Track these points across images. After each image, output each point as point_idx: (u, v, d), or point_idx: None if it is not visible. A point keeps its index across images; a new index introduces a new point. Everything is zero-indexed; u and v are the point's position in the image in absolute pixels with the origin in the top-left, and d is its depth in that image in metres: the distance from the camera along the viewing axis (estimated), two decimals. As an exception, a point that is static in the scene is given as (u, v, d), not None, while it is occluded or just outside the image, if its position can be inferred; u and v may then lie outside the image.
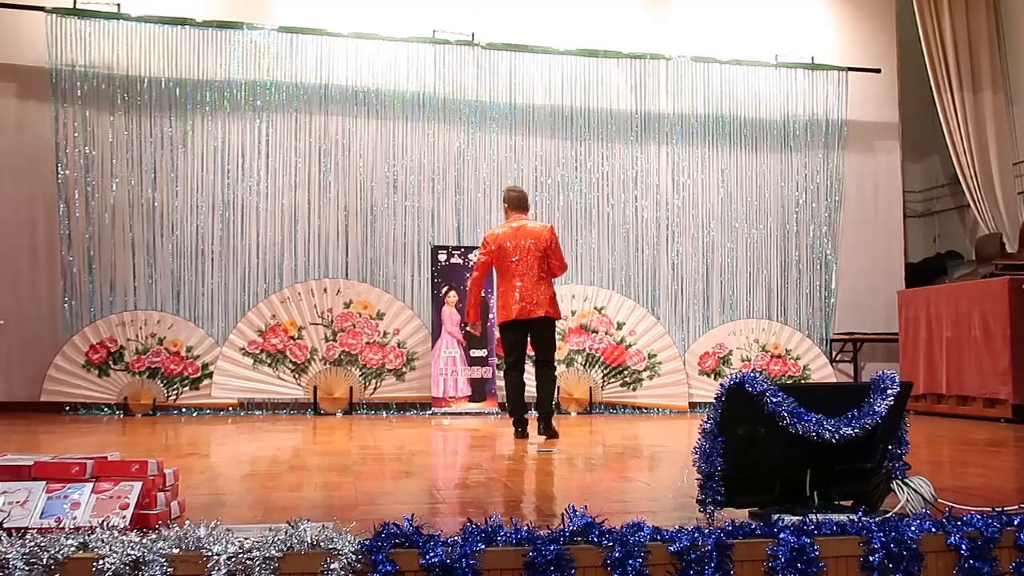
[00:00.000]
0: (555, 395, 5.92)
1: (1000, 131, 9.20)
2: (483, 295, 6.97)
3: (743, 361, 8.77)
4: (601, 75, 8.92)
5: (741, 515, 2.70)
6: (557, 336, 8.26)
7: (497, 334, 6.43)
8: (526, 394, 5.97)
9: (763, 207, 9.18)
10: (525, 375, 5.95)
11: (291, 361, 8.01)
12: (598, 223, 8.83)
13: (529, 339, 5.92)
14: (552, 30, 8.82)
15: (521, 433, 5.78)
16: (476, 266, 6.08)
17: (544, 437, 5.69)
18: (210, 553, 2.13)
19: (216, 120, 8.29)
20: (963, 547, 2.43)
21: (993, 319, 7.31)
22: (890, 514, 2.61)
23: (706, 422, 2.71)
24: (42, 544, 2.13)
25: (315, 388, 8.01)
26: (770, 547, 2.36)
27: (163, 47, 8.21)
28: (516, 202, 6.11)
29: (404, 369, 8.16)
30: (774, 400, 2.64)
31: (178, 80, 8.23)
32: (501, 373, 6.76)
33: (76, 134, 8.03)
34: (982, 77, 9.26)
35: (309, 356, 8.04)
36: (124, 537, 2.18)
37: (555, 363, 6.05)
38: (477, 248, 6.95)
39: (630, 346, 8.48)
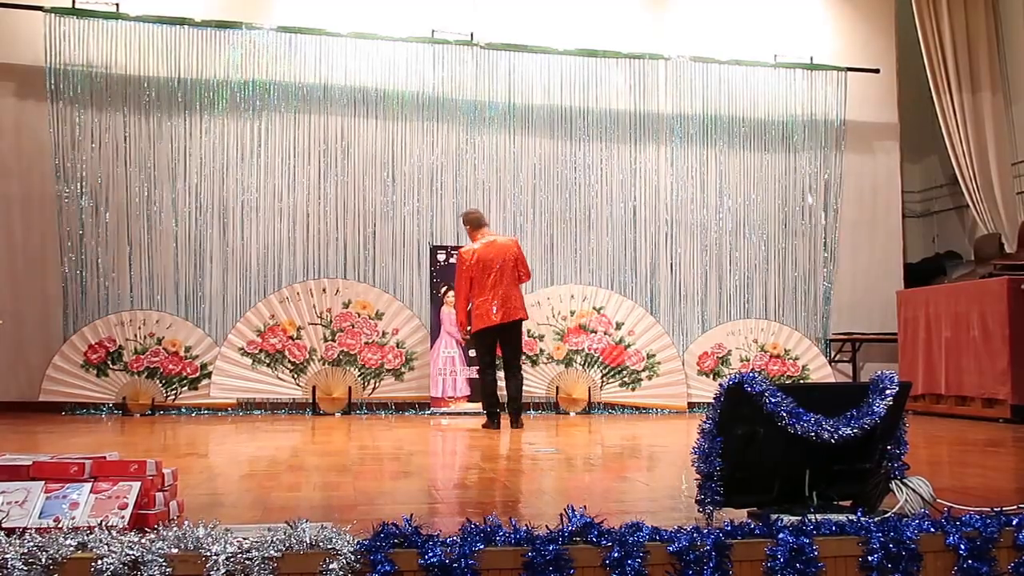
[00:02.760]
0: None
1: (999, 131, 9.20)
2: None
3: (742, 361, 8.77)
4: (600, 75, 8.91)
5: (740, 515, 2.70)
6: (556, 336, 8.36)
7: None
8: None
9: (762, 207, 9.18)
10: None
11: (290, 361, 8.01)
12: (597, 223, 8.83)
13: (499, 342, 6.63)
14: (551, 30, 8.81)
15: (495, 424, 6.55)
16: (460, 280, 6.62)
17: (514, 428, 6.52)
18: (209, 553, 2.13)
19: (215, 120, 8.28)
20: (962, 547, 2.43)
21: (992, 319, 7.31)
22: (889, 514, 2.61)
23: (705, 422, 2.71)
24: (40, 544, 2.12)
25: (314, 388, 8.01)
26: (769, 547, 2.36)
27: (162, 47, 8.21)
28: (477, 222, 6.85)
29: (403, 369, 8.16)
30: (773, 400, 2.64)
31: (177, 80, 8.22)
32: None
33: (74, 134, 8.02)
34: (981, 77, 9.26)
35: (308, 356, 8.04)
36: (123, 537, 2.17)
37: (522, 365, 6.89)
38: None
39: (629, 346, 8.48)
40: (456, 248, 8.21)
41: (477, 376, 7.16)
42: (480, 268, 6.50)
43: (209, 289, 8.19)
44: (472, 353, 8.01)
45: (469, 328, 6.62)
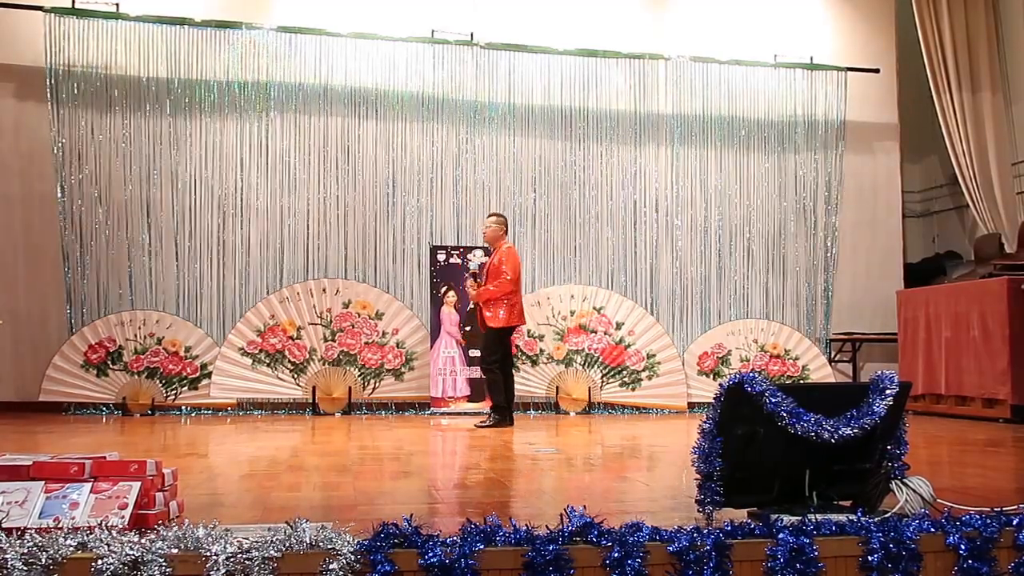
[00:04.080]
0: None
1: (999, 131, 9.20)
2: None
3: (742, 361, 8.77)
4: (600, 75, 8.91)
5: (740, 515, 2.70)
6: (556, 336, 8.37)
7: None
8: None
9: (762, 207, 9.18)
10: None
11: (290, 361, 8.01)
12: (597, 223, 8.82)
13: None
14: (551, 30, 8.81)
15: (511, 422, 6.77)
16: (513, 276, 6.83)
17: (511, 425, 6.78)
18: (209, 553, 2.13)
19: (215, 120, 8.28)
20: (962, 547, 2.43)
21: (992, 319, 7.31)
22: (889, 514, 2.61)
23: (705, 422, 2.71)
24: (41, 544, 2.12)
25: (314, 388, 8.01)
26: (769, 547, 2.36)
27: (162, 47, 8.20)
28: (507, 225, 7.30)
29: (403, 369, 8.16)
30: (773, 400, 2.64)
31: (177, 80, 8.22)
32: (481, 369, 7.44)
33: (74, 134, 8.01)
34: (981, 77, 9.26)
35: (308, 356, 8.04)
36: (123, 537, 2.18)
37: None
38: (477, 248, 7.18)
39: (629, 346, 8.47)
40: (456, 248, 8.24)
41: (483, 375, 7.17)
42: (520, 269, 6.99)
43: (209, 289, 8.19)
44: (472, 352, 8.02)
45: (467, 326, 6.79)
